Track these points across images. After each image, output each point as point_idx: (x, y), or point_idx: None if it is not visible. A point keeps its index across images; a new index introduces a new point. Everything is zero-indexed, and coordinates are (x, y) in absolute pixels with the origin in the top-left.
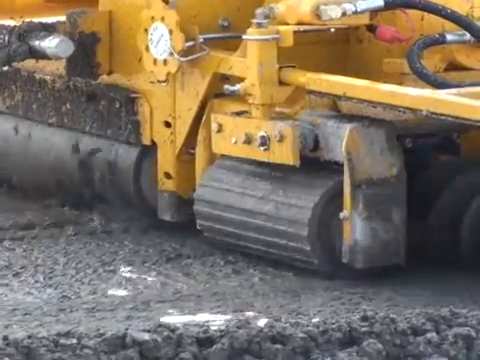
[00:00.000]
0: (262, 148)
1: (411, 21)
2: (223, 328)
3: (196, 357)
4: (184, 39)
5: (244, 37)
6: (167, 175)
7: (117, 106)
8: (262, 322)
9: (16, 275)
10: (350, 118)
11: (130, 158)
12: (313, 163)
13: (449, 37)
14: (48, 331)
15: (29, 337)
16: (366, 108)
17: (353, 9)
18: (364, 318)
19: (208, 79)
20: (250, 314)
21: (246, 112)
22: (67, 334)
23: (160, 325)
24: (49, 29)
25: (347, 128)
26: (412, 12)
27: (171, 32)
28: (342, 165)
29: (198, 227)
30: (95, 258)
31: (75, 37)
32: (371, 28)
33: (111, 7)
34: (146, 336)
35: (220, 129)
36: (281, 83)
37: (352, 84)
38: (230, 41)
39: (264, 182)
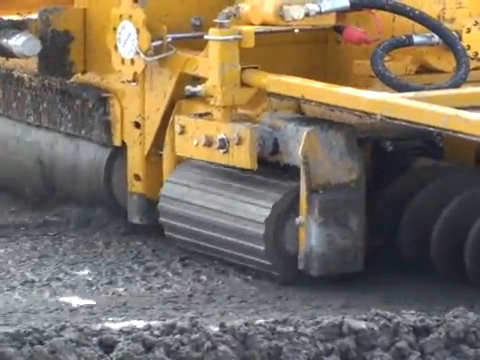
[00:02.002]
0: (221, 151)
1: (379, 22)
2: (439, 317)
3: (412, 346)
4: (150, 38)
5: (206, 37)
6: (136, 177)
7: (90, 106)
8: (478, 312)
9: None
10: (309, 121)
11: (102, 159)
12: (275, 166)
13: (416, 39)
14: (265, 318)
15: (246, 324)
16: (329, 111)
17: (317, 10)
18: None
19: (175, 79)
20: (465, 304)
21: (209, 114)
22: (284, 322)
23: (377, 314)
24: (19, 27)
25: (305, 131)
26: (383, 13)
27: (138, 31)
28: None
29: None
30: None
31: (47, 35)
32: (338, 29)
33: (86, 5)
34: (363, 324)
35: (183, 131)
36: (243, 84)
37: (310, 86)
38: (203, 41)
39: (223, 189)
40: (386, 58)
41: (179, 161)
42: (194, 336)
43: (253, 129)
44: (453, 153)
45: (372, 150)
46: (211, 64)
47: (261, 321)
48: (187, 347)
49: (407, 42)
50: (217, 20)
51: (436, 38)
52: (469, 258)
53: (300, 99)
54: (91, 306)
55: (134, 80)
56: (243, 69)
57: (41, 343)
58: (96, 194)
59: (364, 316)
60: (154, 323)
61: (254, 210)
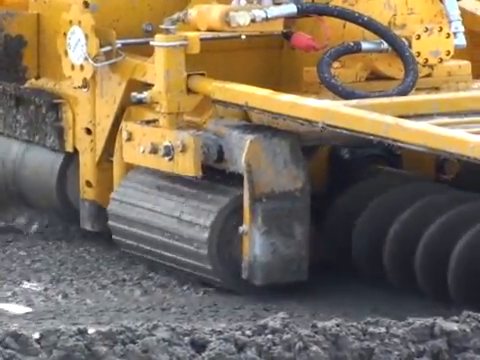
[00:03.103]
0: (166, 158)
1: (327, 29)
2: None
3: None
4: (99, 44)
5: (152, 43)
6: (88, 183)
7: (43, 111)
8: None
9: None
10: (254, 129)
11: (55, 165)
12: (221, 174)
13: (365, 46)
14: (356, 319)
15: (337, 325)
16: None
17: (263, 16)
18: None
19: (124, 85)
20: None
21: (157, 121)
22: (376, 323)
23: (469, 315)
24: None
25: (248, 139)
26: (334, 19)
27: (87, 37)
28: None
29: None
30: None
31: (0, 40)
32: (286, 35)
33: (39, 10)
34: (455, 326)
35: (130, 137)
36: (189, 91)
37: (254, 94)
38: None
39: (169, 197)
40: (337, 65)
41: (129, 168)
42: (286, 336)
43: (197, 137)
44: (412, 161)
45: (329, 158)
46: (157, 70)
47: (353, 322)
48: (279, 347)
49: (355, 49)
50: (163, 26)
51: (385, 45)
52: (419, 269)
53: (244, 106)
54: (182, 306)
55: (84, 86)
56: (189, 75)
57: (133, 342)
58: (50, 200)
59: (456, 318)
60: (245, 323)
61: (195, 228)
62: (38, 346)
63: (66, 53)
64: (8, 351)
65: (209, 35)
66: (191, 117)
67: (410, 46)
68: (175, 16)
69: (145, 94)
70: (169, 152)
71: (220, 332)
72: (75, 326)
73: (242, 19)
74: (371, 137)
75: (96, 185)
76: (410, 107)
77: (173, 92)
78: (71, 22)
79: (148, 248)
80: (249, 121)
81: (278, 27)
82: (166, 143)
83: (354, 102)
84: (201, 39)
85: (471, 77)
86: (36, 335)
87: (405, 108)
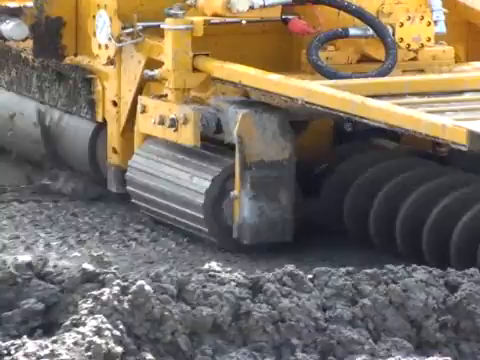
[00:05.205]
0: (172, 129)
1: (320, 15)
2: None
3: None
4: (121, 26)
5: (162, 26)
6: (114, 150)
7: (79, 85)
8: None
9: None
10: (248, 104)
11: (87, 134)
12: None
13: (352, 31)
14: None
15: None
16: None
17: (261, 3)
18: None
19: (143, 63)
20: None
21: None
22: None
23: None
24: (16, 13)
25: (240, 113)
26: (329, 8)
27: (111, 19)
28: None
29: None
30: None
31: (41, 21)
32: (285, 21)
33: None
34: None
35: (144, 110)
36: (195, 70)
37: (247, 73)
38: None
39: (178, 157)
40: (331, 48)
41: (146, 137)
42: None
43: (197, 111)
44: (409, 135)
45: (334, 130)
46: (166, 50)
47: None
48: None
49: (343, 34)
50: (172, 11)
51: (371, 31)
52: (399, 234)
53: (238, 84)
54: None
55: (111, 63)
56: (195, 56)
57: (395, 282)
58: (84, 165)
59: None
60: None
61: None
62: (311, 284)
63: (94, 34)
64: (285, 288)
65: (214, 20)
66: (197, 93)
67: (394, 33)
68: (188, 1)
69: (156, 71)
70: (174, 124)
71: (471, 275)
72: (344, 268)
73: (241, 6)
74: (342, 114)
75: (120, 152)
76: (383, 87)
77: (180, 70)
78: (99, 6)
79: (158, 210)
80: (248, 97)
81: (276, 13)
82: (172, 116)
83: (332, 82)
84: (213, 24)
85: (454, 61)
86: (310, 275)
87: (378, 88)
